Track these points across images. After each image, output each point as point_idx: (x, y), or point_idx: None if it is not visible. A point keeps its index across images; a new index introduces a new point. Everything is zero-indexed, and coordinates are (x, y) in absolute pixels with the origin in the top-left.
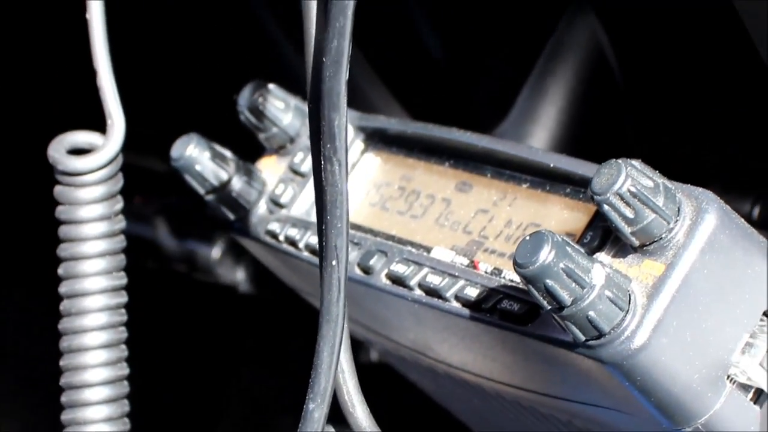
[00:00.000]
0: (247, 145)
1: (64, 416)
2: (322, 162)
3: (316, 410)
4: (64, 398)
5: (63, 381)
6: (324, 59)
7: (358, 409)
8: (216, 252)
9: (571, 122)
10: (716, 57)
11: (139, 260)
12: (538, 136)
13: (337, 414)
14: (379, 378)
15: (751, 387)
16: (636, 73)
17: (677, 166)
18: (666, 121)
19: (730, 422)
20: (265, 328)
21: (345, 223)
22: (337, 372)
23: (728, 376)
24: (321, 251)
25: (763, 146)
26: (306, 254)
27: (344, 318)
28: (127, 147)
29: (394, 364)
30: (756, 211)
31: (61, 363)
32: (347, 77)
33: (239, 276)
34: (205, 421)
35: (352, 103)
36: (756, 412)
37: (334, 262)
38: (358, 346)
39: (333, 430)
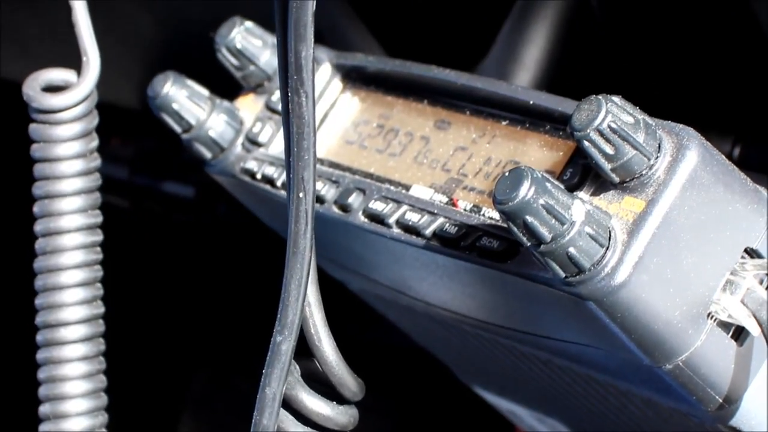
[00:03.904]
0: (225, 83)
1: (40, 355)
2: (289, 94)
3: (284, 343)
4: (39, 337)
5: (38, 320)
6: None
7: (325, 343)
8: (193, 192)
9: (551, 62)
10: None
11: (116, 201)
12: (518, 76)
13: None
14: (351, 316)
15: (731, 325)
16: (616, 11)
17: (658, 108)
18: (647, 60)
19: (710, 360)
20: (243, 267)
21: (312, 155)
22: (303, 305)
23: (709, 314)
24: (289, 184)
25: (744, 86)
26: (283, 193)
27: (311, 250)
28: (104, 86)
29: (372, 303)
30: (736, 151)
31: (36, 302)
32: (314, 8)
33: (216, 216)
34: (180, 362)
35: (330, 42)
36: (736, 349)
37: (301, 194)
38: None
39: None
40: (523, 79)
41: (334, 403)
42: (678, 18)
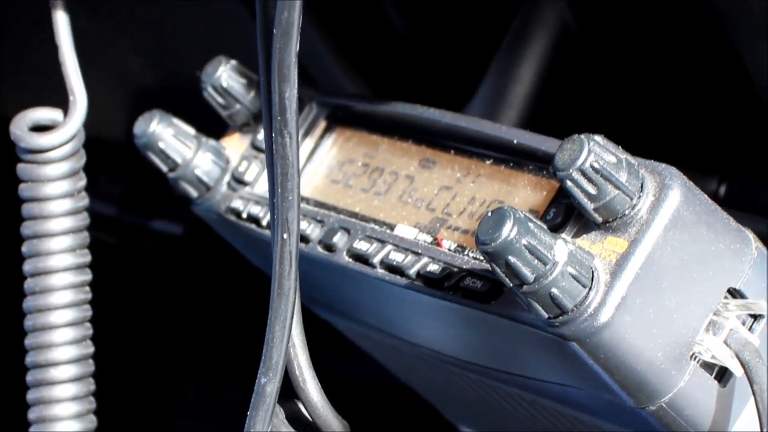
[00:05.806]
0: (211, 122)
1: (30, 395)
2: (273, 135)
3: (268, 384)
4: (29, 377)
5: (28, 360)
6: (274, 31)
7: (309, 384)
8: (181, 229)
9: (538, 102)
10: (683, 36)
11: (104, 238)
12: (505, 116)
13: (289, 389)
14: (337, 354)
15: (714, 365)
16: (602, 51)
17: (644, 147)
18: (633, 100)
19: (693, 401)
20: (230, 304)
21: (296, 196)
22: (288, 346)
23: (692, 355)
24: (273, 225)
25: (729, 124)
26: (269, 232)
27: (296, 292)
28: (92, 122)
29: (358, 342)
30: (722, 190)
31: (26, 342)
32: (297, 49)
33: (204, 253)
34: (165, 397)
35: (316, 82)
36: (719, 390)
37: (285, 236)
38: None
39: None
40: (510, 117)
41: None
42: (663, 58)
